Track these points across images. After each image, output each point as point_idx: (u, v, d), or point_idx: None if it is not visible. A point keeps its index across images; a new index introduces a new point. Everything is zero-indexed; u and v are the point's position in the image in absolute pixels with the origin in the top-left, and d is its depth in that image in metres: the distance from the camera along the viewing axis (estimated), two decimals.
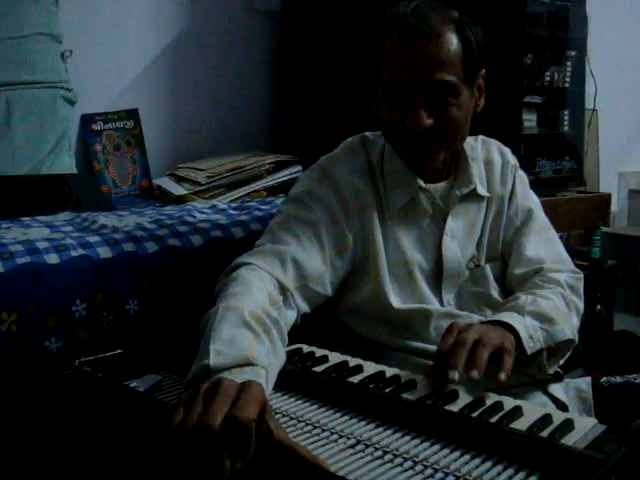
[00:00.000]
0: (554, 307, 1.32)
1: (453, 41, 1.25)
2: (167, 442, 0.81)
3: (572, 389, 1.43)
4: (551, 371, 1.33)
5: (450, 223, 1.38)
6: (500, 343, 1.14)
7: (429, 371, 1.10)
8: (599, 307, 2.53)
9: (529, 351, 1.23)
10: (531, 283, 1.39)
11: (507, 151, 1.49)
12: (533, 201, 1.49)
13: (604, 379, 1.84)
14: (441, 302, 1.37)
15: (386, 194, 1.37)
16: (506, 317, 1.24)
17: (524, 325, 1.23)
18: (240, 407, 0.81)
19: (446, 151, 1.33)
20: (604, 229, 3.04)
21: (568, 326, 1.32)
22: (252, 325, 1.04)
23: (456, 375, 1.05)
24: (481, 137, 1.46)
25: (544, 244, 1.44)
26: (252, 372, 0.95)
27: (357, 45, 2.55)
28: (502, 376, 1.09)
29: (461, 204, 1.39)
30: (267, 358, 1.01)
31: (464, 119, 1.30)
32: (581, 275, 1.45)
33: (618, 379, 1.82)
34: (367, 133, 1.45)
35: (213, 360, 0.95)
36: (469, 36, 1.27)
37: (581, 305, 1.41)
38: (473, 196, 1.41)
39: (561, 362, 1.35)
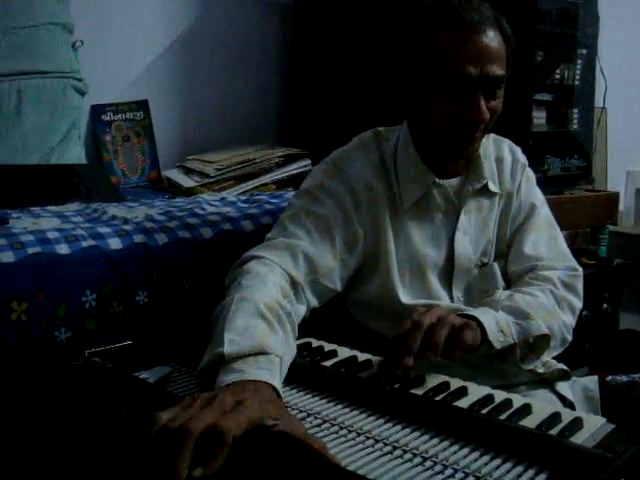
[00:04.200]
0: (535, 303, 1.30)
1: (500, 36, 1.27)
2: (149, 436, 0.80)
3: (579, 388, 1.43)
4: (528, 367, 1.31)
5: (463, 219, 1.38)
6: (461, 323, 1.13)
7: (387, 356, 1.10)
8: (605, 306, 2.53)
9: (497, 345, 1.20)
10: (522, 281, 1.39)
11: (518, 150, 1.49)
12: (537, 198, 1.48)
13: (610, 378, 1.84)
14: (451, 298, 1.37)
15: (399, 189, 1.36)
16: (475, 311, 1.23)
17: (495, 319, 1.22)
18: (227, 418, 0.81)
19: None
20: (611, 228, 3.03)
21: (550, 322, 1.30)
22: (267, 316, 1.05)
23: (410, 360, 1.06)
24: (492, 135, 1.46)
25: (544, 241, 1.44)
26: (266, 361, 0.96)
27: (369, 39, 2.56)
28: (457, 353, 1.11)
29: (474, 200, 1.40)
30: (281, 348, 1.01)
31: None
32: (579, 272, 1.43)
33: (624, 378, 1.82)
34: (380, 128, 1.44)
35: (227, 349, 0.96)
36: (507, 30, 1.29)
37: (577, 303, 1.40)
38: (485, 193, 1.41)
39: (544, 359, 1.34)
